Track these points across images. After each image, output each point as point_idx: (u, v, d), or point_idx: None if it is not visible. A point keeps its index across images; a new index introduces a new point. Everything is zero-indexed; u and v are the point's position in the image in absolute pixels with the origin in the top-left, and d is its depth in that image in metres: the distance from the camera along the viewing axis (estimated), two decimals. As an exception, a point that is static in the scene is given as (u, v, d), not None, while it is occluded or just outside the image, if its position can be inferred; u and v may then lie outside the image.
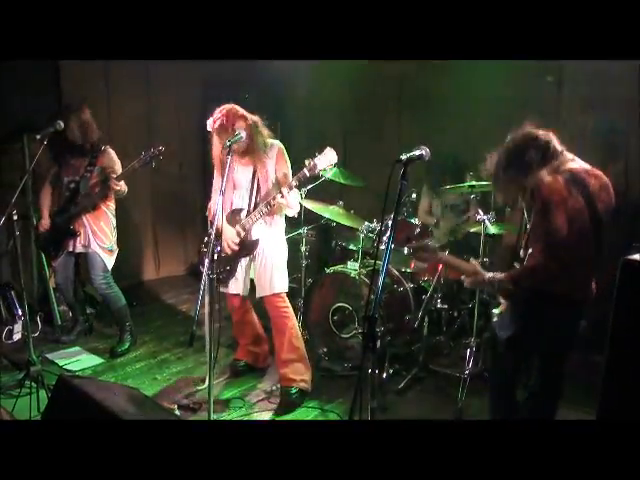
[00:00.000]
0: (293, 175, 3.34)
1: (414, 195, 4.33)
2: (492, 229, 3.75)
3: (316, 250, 4.79)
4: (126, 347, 4.20)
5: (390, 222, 3.94)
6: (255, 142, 3.34)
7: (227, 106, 3.35)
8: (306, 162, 3.25)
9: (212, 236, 2.82)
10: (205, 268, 2.77)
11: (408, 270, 4.16)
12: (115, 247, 4.14)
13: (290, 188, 3.26)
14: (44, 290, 4.65)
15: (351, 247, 4.38)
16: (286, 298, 3.55)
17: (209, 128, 3.39)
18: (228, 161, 2.91)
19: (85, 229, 4.00)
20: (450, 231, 4.34)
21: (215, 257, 2.78)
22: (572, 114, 4.34)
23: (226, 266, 3.49)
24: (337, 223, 4.44)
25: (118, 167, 4.01)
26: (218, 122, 3.31)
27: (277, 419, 3.34)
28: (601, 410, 1.16)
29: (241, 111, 3.35)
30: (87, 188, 3.97)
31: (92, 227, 4.01)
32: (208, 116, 3.44)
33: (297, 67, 5.37)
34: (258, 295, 3.52)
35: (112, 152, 4.04)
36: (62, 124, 3.59)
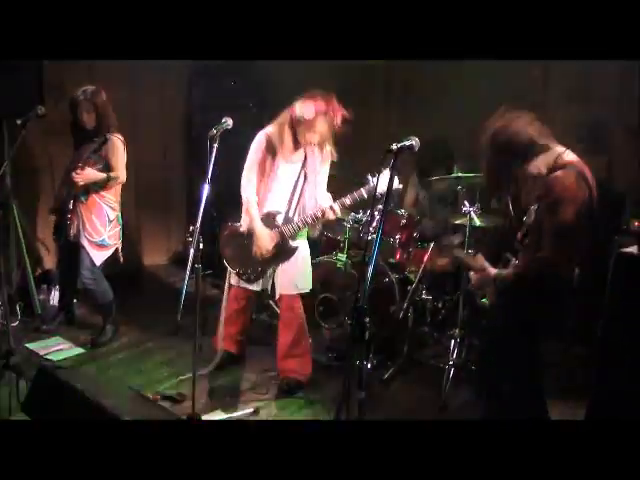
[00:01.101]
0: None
1: (401, 185, 4.31)
2: (478, 221, 3.76)
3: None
4: (108, 337, 4.14)
5: (377, 213, 3.93)
6: (327, 138, 3.20)
7: (329, 97, 3.17)
8: (367, 179, 3.12)
9: (197, 227, 2.76)
10: (190, 258, 2.73)
11: (393, 261, 4.15)
12: (109, 242, 3.98)
13: (343, 205, 3.18)
14: (23, 279, 4.57)
15: (338, 238, 4.36)
16: (300, 299, 3.50)
17: (309, 115, 3.14)
18: (214, 149, 2.85)
19: (77, 220, 3.89)
20: (436, 223, 4.34)
21: (201, 247, 2.72)
22: (558, 107, 4.36)
23: (257, 267, 3.41)
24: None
25: (116, 159, 3.87)
26: (311, 113, 3.11)
27: (263, 419, 3.29)
28: (594, 401, 1.16)
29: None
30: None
31: (83, 218, 3.88)
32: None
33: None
34: (280, 293, 3.45)
35: (116, 142, 3.89)
36: (43, 109, 3.51)
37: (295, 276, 3.44)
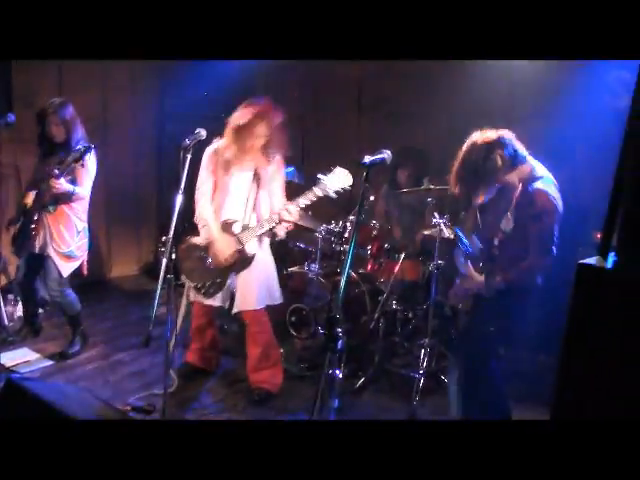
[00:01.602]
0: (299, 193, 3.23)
1: (372, 197, 4.38)
2: (447, 232, 3.83)
3: (274, 251, 4.77)
4: (77, 349, 4.08)
5: (348, 224, 3.98)
6: (271, 143, 3.25)
7: (265, 101, 3.25)
8: (319, 179, 3.14)
9: (170, 237, 2.76)
10: (163, 268, 2.73)
11: (364, 272, 4.20)
12: (77, 253, 3.90)
13: (298, 207, 3.18)
14: (-11, 289, 4.48)
15: (309, 248, 4.39)
16: (265, 312, 3.49)
17: (246, 119, 3.20)
18: (187, 160, 2.84)
19: (44, 231, 3.79)
20: (405, 233, 4.41)
21: (173, 257, 2.74)
22: (524, 121, 4.48)
23: (216, 279, 3.38)
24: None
25: (82, 174, 3.77)
26: (247, 118, 3.18)
27: (239, 419, 3.32)
28: (555, 412, 1.21)
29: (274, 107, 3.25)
30: (48, 188, 3.70)
31: (50, 229, 3.79)
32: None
33: (256, 65, 5.37)
34: (239, 309, 3.42)
35: (85, 156, 3.70)
36: (13, 117, 3.47)
37: (257, 290, 3.41)
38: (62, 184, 3.64)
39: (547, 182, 2.59)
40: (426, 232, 4.06)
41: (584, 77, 4.15)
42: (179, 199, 2.81)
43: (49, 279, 3.88)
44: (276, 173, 3.42)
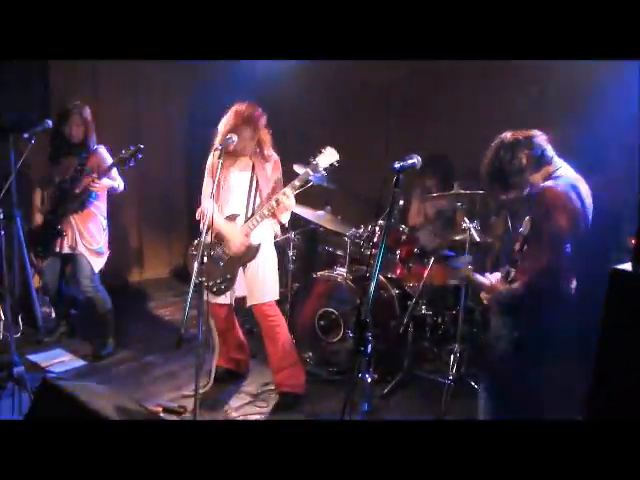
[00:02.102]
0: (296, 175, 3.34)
1: (401, 202, 4.37)
2: (477, 237, 3.80)
3: (303, 255, 4.80)
4: (110, 350, 4.17)
5: (377, 228, 3.98)
6: (262, 143, 3.40)
7: (249, 104, 3.37)
8: (310, 160, 3.28)
9: (202, 240, 2.81)
10: (194, 272, 2.77)
11: (394, 276, 4.19)
12: (105, 249, 4.08)
13: (294, 188, 3.27)
14: (26, 291, 4.59)
15: (338, 252, 4.40)
16: (275, 306, 3.54)
17: (233, 121, 3.32)
18: (219, 164, 2.92)
19: (73, 230, 3.95)
20: (436, 237, 4.38)
21: (205, 261, 2.78)
22: (555, 125, 4.42)
23: (226, 275, 3.44)
24: (324, 228, 4.46)
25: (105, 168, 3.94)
26: (234, 120, 3.30)
27: (270, 419, 3.35)
28: (588, 414, 1.20)
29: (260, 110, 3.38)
30: (75, 188, 3.91)
31: (79, 228, 3.95)
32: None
33: (284, 74, 5.42)
34: (250, 303, 3.49)
35: (104, 153, 3.99)
36: (50, 123, 3.57)
37: (263, 283, 3.47)
38: (105, 182, 3.84)
39: (561, 180, 2.50)
40: (457, 237, 4.04)
41: (618, 79, 4.08)
42: (210, 203, 2.85)
43: (82, 276, 4.00)
44: (275, 171, 3.51)
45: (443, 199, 4.25)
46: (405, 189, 4.44)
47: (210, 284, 3.45)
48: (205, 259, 2.79)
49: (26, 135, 3.51)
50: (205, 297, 3.53)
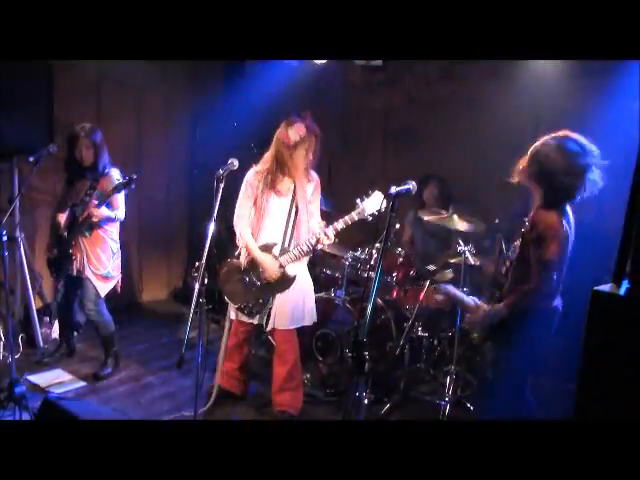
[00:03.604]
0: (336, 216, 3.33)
1: (397, 225, 4.45)
2: (472, 260, 3.87)
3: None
4: (109, 371, 4.20)
5: (374, 251, 4.05)
6: (310, 163, 3.36)
7: (309, 118, 3.33)
8: (357, 204, 3.21)
9: (203, 263, 2.87)
10: (195, 293, 2.83)
11: (390, 298, 4.25)
12: (113, 274, 4.09)
13: (336, 231, 3.26)
14: (26, 311, 4.64)
15: (336, 275, 4.46)
16: (296, 333, 3.57)
17: (292, 138, 3.26)
18: (220, 189, 2.96)
19: (82, 254, 3.97)
20: (430, 260, 4.45)
21: (205, 282, 2.83)
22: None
23: (258, 299, 3.47)
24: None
25: (117, 197, 3.95)
26: (300, 134, 3.25)
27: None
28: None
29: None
30: (83, 212, 3.92)
31: (87, 253, 3.97)
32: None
33: (286, 95, 5.53)
34: (273, 326, 3.49)
35: (115, 175, 3.98)
36: (55, 147, 3.65)
37: (291, 310, 3.48)
38: (103, 212, 3.85)
39: (557, 207, 2.57)
40: (452, 260, 4.11)
41: (609, 105, 4.19)
42: (212, 227, 2.92)
43: (86, 299, 4.05)
44: (315, 192, 3.50)
45: (437, 222, 4.33)
46: (401, 212, 4.52)
47: (242, 306, 3.50)
48: (206, 281, 2.84)
49: (31, 159, 3.59)
50: (231, 315, 3.62)
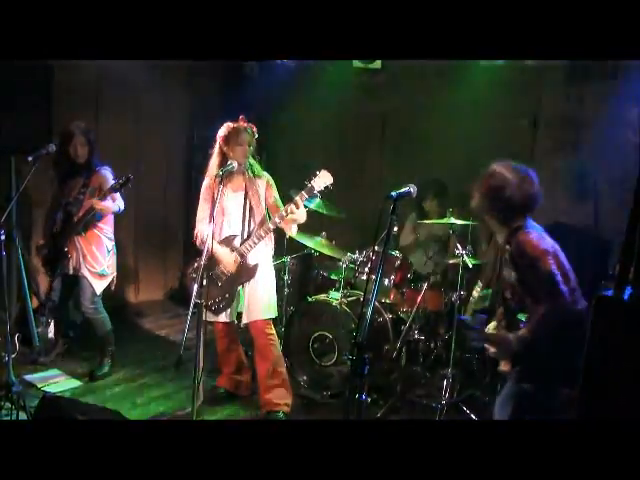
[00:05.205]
0: (291, 198, 3.44)
1: (396, 228, 4.46)
2: (469, 262, 3.89)
3: (298, 279, 4.87)
4: (106, 371, 4.19)
5: (370, 253, 4.06)
6: (253, 164, 3.52)
7: (242, 119, 3.52)
8: (305, 184, 3.37)
9: (202, 263, 2.88)
10: (194, 294, 2.83)
11: (387, 301, 4.26)
12: (108, 271, 4.09)
13: (302, 199, 3.37)
14: (22, 311, 4.62)
15: (332, 277, 4.47)
16: (272, 324, 3.61)
17: (229, 130, 3.48)
18: (219, 189, 3.00)
19: (77, 252, 3.98)
20: (429, 262, 4.47)
21: (204, 283, 2.84)
22: (546, 156, 4.56)
23: (225, 294, 3.52)
24: (319, 253, 4.54)
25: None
26: (230, 132, 3.44)
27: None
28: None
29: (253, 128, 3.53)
30: (78, 210, 3.95)
31: (83, 251, 3.98)
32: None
33: (283, 100, 5.55)
34: (248, 320, 3.54)
35: (107, 173, 4.01)
36: (54, 147, 3.64)
37: (262, 301, 3.55)
38: (106, 203, 3.89)
39: (534, 230, 2.53)
40: (451, 261, 4.13)
41: (608, 111, 4.23)
42: (210, 227, 2.93)
43: (83, 297, 4.05)
44: (268, 190, 3.62)
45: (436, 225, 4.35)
46: (401, 213, 4.53)
47: (209, 303, 3.51)
48: (204, 281, 2.85)
49: (30, 158, 3.58)
50: (204, 317, 3.61)
